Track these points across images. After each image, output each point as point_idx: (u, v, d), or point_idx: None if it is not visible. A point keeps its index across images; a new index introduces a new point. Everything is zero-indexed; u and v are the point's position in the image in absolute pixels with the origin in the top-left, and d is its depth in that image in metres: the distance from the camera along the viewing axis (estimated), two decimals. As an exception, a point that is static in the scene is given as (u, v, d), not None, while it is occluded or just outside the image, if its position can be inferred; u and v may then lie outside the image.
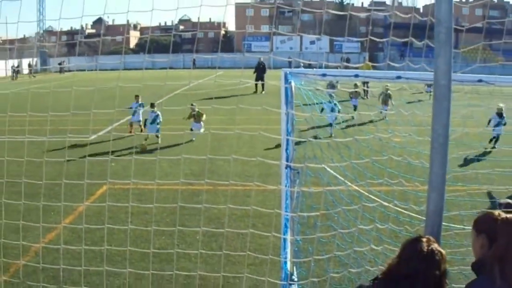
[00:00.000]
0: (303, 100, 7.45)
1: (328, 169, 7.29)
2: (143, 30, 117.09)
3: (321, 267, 7.19)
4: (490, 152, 20.20)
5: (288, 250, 7.07)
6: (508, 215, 3.92)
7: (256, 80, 38.66)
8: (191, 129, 23.05)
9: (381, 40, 6.34)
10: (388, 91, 27.66)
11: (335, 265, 7.42)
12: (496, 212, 3.96)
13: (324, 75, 7.30)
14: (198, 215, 10.88)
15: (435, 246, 3.89)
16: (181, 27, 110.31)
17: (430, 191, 4.38)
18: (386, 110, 24.63)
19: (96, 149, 19.26)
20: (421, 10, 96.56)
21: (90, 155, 16.94)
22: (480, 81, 7.05)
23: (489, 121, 22.48)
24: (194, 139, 22.92)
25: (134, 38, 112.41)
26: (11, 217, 8.14)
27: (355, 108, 29.41)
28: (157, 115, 22.94)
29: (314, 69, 7.49)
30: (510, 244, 3.81)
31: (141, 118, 24.75)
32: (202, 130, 23.19)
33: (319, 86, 8.09)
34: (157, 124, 22.84)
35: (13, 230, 8.75)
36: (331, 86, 25.88)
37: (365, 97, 33.41)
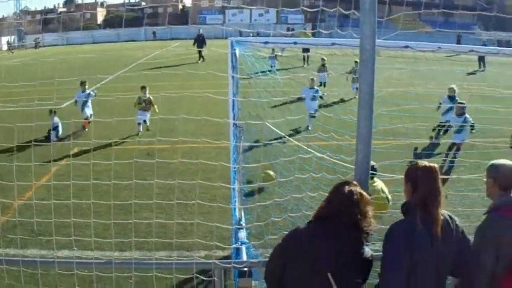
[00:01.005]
0: (247, 66, 7.40)
1: (269, 125, 7.30)
2: (109, 7, 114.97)
3: (267, 213, 7.21)
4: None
5: (237, 198, 7.09)
6: (427, 164, 3.95)
7: (197, 51, 38.30)
8: (138, 123, 17.86)
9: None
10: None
11: (280, 211, 7.43)
12: (420, 162, 4.01)
13: (266, 42, 7.27)
14: (158, 171, 10.82)
15: (354, 188, 3.90)
16: (143, 3, 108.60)
17: (358, 142, 4.40)
18: (357, 87, 21.09)
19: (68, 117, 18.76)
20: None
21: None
22: (406, 47, 7.11)
23: (439, 106, 17.61)
24: (141, 131, 18.03)
25: (101, 15, 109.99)
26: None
27: (323, 84, 25.90)
28: (89, 94, 18.65)
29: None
30: (428, 191, 3.89)
31: (92, 112, 18.94)
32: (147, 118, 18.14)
33: (262, 53, 8.07)
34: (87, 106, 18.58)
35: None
36: (273, 58, 25.56)
37: (306, 64, 32.53)
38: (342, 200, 3.85)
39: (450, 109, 16.52)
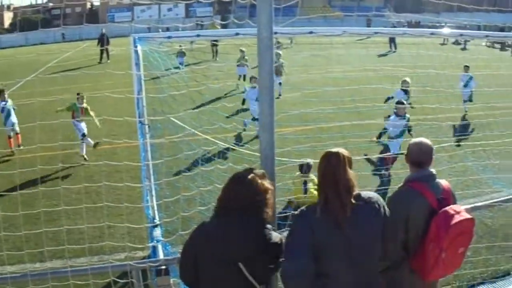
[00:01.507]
0: (150, 62, 7.30)
1: (175, 120, 7.25)
2: (15, 10, 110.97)
3: (181, 208, 7.15)
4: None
5: (149, 197, 7.00)
6: (330, 150, 3.96)
7: (100, 50, 37.18)
8: (80, 137, 14.57)
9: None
10: (281, 61, 22.50)
11: (195, 205, 7.39)
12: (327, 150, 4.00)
13: (169, 37, 7.21)
14: (75, 176, 10.56)
15: (253, 176, 3.89)
16: (51, 4, 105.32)
17: (261, 130, 4.39)
18: (280, 82, 21.23)
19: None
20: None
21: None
22: (311, 32, 7.21)
23: (387, 98, 15.93)
24: (85, 156, 14.53)
25: (7, 18, 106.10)
26: None
27: (243, 77, 24.09)
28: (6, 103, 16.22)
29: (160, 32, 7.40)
30: (323, 176, 3.92)
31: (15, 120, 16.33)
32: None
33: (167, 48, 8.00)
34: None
35: None
36: (181, 54, 25.19)
37: (216, 57, 32.34)
38: (240, 187, 3.85)
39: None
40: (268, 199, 3.88)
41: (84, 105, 14.74)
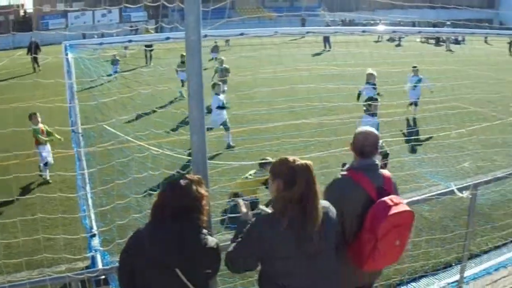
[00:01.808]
0: (81, 70, 7.21)
1: (107, 127, 7.19)
2: None
3: (118, 216, 7.06)
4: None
5: (85, 207, 6.91)
6: (302, 162, 3.83)
7: (32, 59, 35.72)
8: (42, 165, 12.85)
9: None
10: (225, 65, 21.94)
11: (127, 213, 7.31)
12: (291, 158, 3.87)
13: (101, 43, 7.14)
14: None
15: (188, 182, 3.89)
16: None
17: (191, 134, 4.40)
18: (225, 89, 19.78)
19: None
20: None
21: None
22: (241, 34, 7.26)
23: (359, 94, 15.55)
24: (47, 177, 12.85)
25: None
26: None
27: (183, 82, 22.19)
28: None
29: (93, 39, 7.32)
30: (307, 187, 3.75)
31: None
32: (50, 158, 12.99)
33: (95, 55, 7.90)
34: None
35: None
36: (115, 61, 24.78)
37: (150, 62, 31.34)
38: (176, 196, 3.85)
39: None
40: (204, 205, 3.90)
41: (40, 125, 12.76)
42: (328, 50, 37.93)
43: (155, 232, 3.81)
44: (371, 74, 15.50)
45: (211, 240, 3.88)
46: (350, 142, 4.69)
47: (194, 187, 3.88)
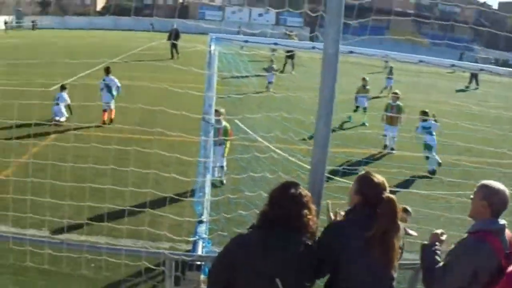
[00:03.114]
0: (223, 63, 7.42)
1: (239, 123, 7.34)
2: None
3: (234, 210, 7.21)
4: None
5: (202, 193, 7.10)
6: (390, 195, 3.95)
7: (171, 46, 37.64)
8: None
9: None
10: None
11: (237, 207, 7.45)
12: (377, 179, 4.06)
13: (246, 41, 7.30)
14: (135, 161, 10.72)
15: (301, 189, 3.92)
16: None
17: (314, 145, 4.43)
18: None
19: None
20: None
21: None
22: (386, 55, 7.17)
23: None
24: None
25: (101, 1, 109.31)
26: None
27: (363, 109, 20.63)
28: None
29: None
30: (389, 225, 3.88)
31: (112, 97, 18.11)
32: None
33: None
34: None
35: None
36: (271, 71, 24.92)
37: (283, 71, 31.45)
38: (291, 201, 3.83)
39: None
40: (312, 218, 3.88)
41: (224, 123, 10.49)
42: (476, 88, 36.51)
43: (263, 239, 3.79)
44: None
45: (315, 254, 3.89)
46: (477, 199, 4.23)
47: (303, 191, 3.91)
